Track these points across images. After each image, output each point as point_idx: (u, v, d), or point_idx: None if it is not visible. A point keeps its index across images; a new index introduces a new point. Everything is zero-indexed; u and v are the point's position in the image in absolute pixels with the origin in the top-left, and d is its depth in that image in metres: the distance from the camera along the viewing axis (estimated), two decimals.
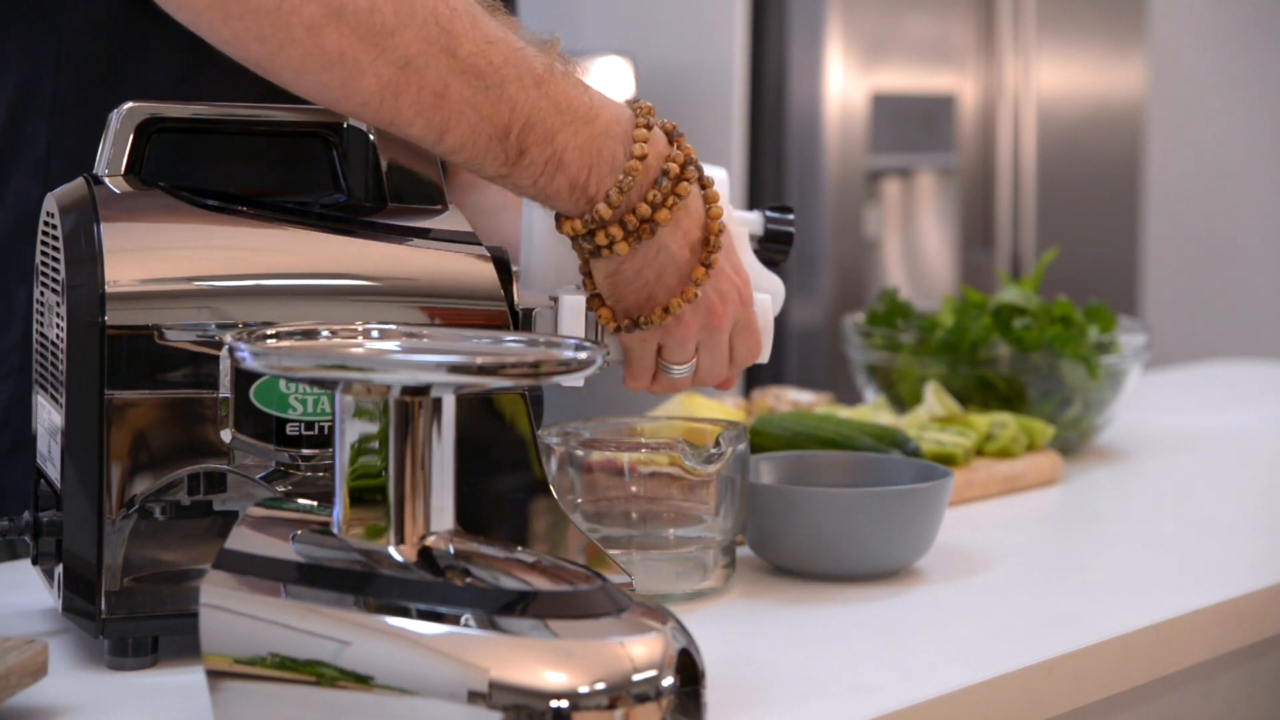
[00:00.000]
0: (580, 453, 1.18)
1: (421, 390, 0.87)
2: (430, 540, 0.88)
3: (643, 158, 1.07)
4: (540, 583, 0.87)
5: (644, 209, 1.08)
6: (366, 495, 0.88)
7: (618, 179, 1.07)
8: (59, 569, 1.01)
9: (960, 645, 1.10)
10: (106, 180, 1.06)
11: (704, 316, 1.13)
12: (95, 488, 0.99)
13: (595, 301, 1.13)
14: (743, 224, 1.21)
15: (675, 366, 1.15)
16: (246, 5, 0.99)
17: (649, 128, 1.08)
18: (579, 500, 1.18)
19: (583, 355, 0.87)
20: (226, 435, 1.00)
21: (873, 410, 1.65)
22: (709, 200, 1.11)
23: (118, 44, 1.26)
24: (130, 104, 1.08)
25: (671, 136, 1.10)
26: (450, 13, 1.02)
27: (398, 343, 0.93)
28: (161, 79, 1.26)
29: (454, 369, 0.85)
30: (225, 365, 1.00)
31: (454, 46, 1.02)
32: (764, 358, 1.21)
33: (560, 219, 1.09)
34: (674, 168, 1.08)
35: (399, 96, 1.02)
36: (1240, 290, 4.65)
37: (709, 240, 1.11)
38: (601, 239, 1.08)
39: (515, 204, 1.42)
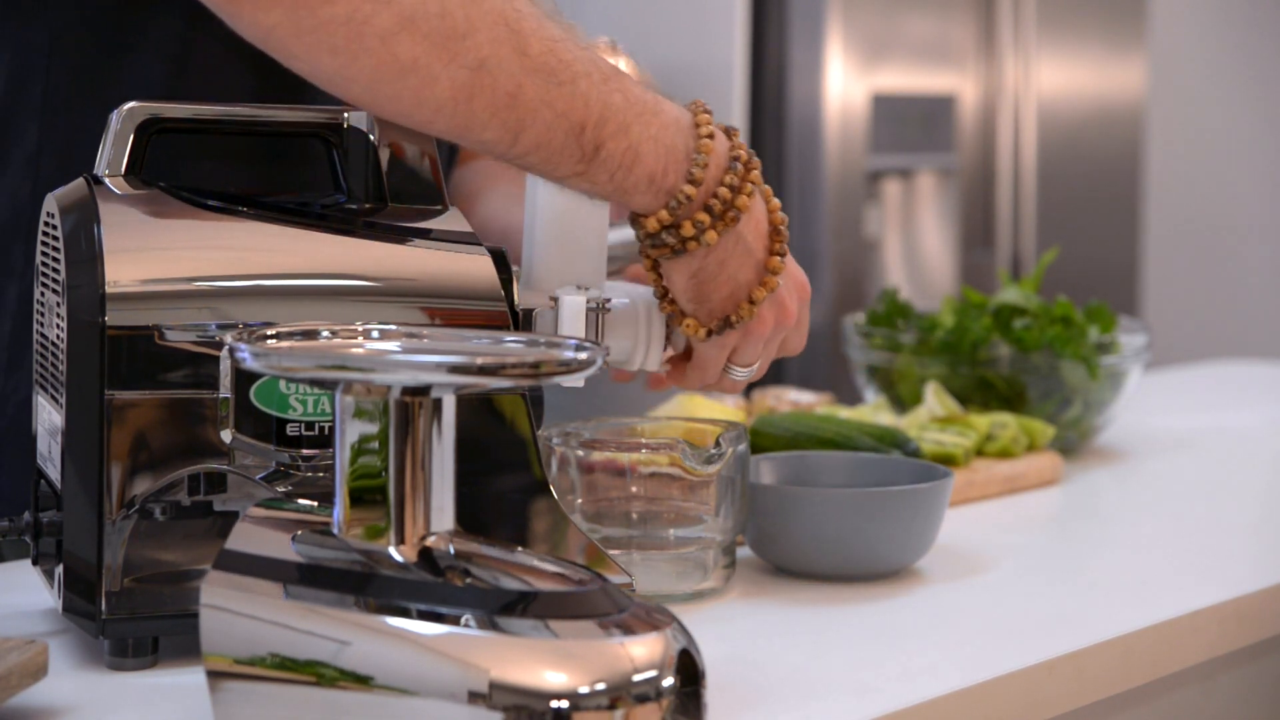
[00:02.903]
0: (580, 453, 1.18)
1: (421, 390, 0.87)
2: (430, 540, 0.88)
3: (710, 136, 1.07)
4: (540, 583, 0.87)
5: (724, 193, 1.07)
6: (366, 495, 0.88)
7: (693, 159, 1.06)
8: (59, 569, 1.01)
9: (960, 645, 1.10)
10: (106, 180, 1.06)
11: (777, 313, 1.14)
12: (95, 488, 0.99)
13: (677, 317, 1.13)
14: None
15: (742, 369, 1.16)
16: (319, 18, 0.98)
17: (709, 112, 1.09)
18: (579, 500, 1.18)
19: (583, 355, 0.87)
20: (227, 435, 1.00)
21: (873, 410, 1.65)
22: (765, 194, 1.12)
23: (108, 40, 1.26)
24: (130, 104, 1.08)
25: (727, 131, 1.10)
26: (517, 14, 1.02)
27: (398, 343, 0.93)
28: (153, 75, 1.27)
29: (454, 369, 0.85)
30: (225, 365, 1.00)
31: (524, 46, 1.01)
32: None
33: (638, 219, 1.08)
34: (743, 154, 1.08)
35: (473, 100, 1.01)
36: (1240, 290, 4.65)
37: (778, 230, 1.12)
38: (688, 229, 1.07)
39: (497, 186, 1.42)
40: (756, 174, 1.08)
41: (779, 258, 1.11)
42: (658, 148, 1.05)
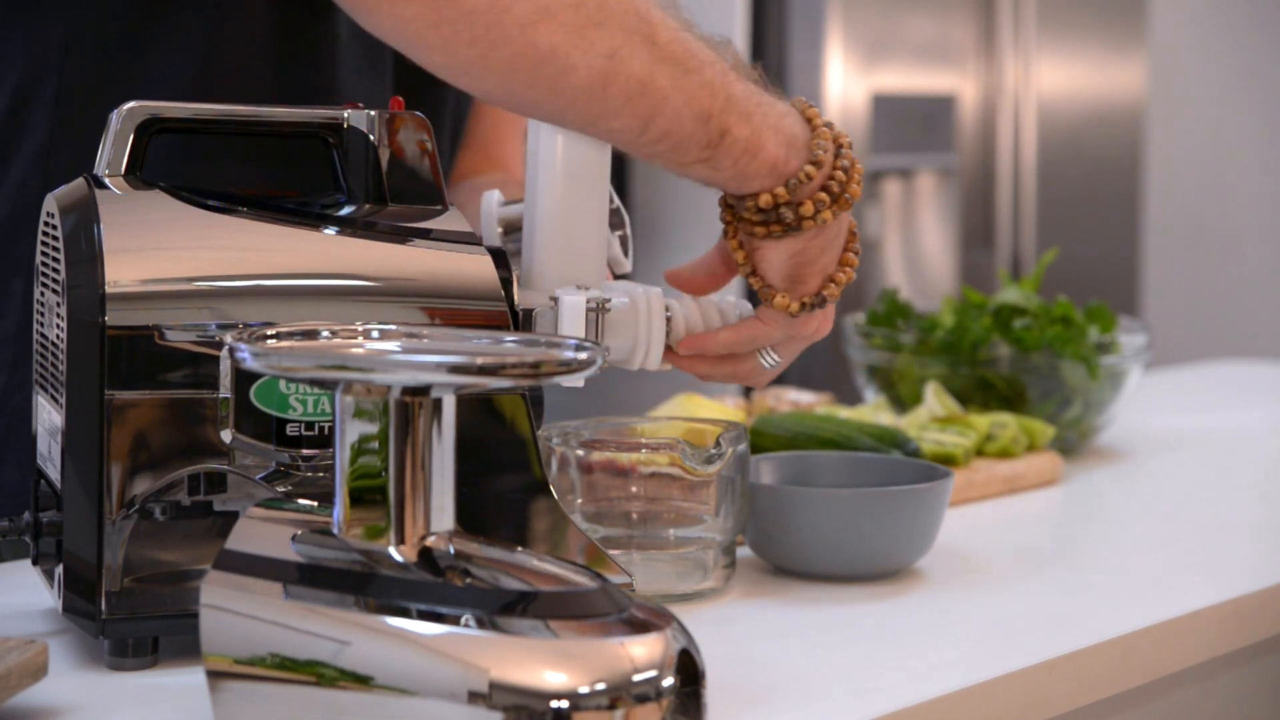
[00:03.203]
0: (580, 453, 1.18)
1: (422, 390, 0.87)
2: (430, 540, 0.88)
3: (827, 125, 1.10)
4: (540, 583, 0.87)
5: (840, 175, 1.10)
6: (366, 495, 0.88)
7: (814, 144, 1.09)
8: (59, 569, 1.01)
9: (960, 645, 1.10)
10: (106, 180, 1.06)
11: (801, 330, 1.16)
12: (95, 488, 0.99)
13: (768, 292, 1.14)
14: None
15: (775, 359, 1.18)
16: (460, 8, 0.99)
17: (814, 107, 1.12)
18: (579, 500, 1.18)
19: (583, 355, 0.87)
20: (227, 435, 1.00)
21: (873, 410, 1.65)
22: None
23: (126, 38, 1.27)
24: (130, 104, 1.08)
25: (829, 125, 1.12)
26: (646, 3, 1.04)
27: (398, 343, 0.93)
28: (169, 76, 1.27)
29: (454, 369, 0.85)
30: (225, 365, 1.00)
31: (654, 35, 1.03)
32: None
33: (747, 196, 1.10)
34: (847, 143, 1.11)
35: (607, 88, 1.02)
36: (1240, 290, 4.65)
37: (853, 232, 1.15)
38: (808, 209, 1.09)
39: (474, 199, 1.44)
40: (860, 166, 1.11)
41: (854, 254, 1.15)
42: (779, 136, 1.08)
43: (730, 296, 1.21)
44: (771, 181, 1.09)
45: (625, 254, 1.26)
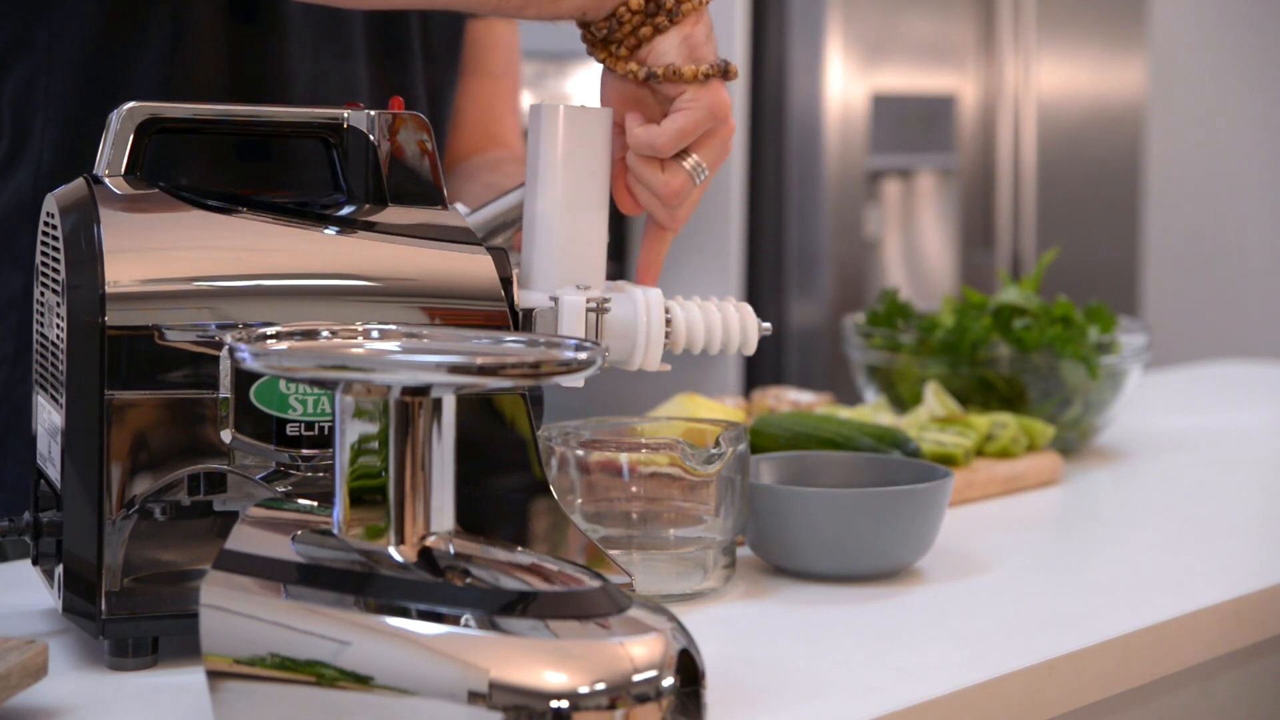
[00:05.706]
0: (580, 453, 1.18)
1: (421, 390, 0.87)
2: (430, 540, 0.88)
3: None
4: (540, 583, 0.87)
5: None
6: (366, 495, 0.88)
7: None
8: (59, 569, 1.01)
9: (960, 645, 1.10)
10: (106, 180, 1.06)
11: (716, 100, 1.17)
12: (95, 488, 0.99)
13: (673, 68, 1.16)
14: None
15: (704, 171, 1.19)
16: None
17: None
18: (579, 500, 1.18)
19: (583, 355, 0.87)
20: (227, 435, 1.00)
21: (873, 411, 1.65)
22: None
23: (104, 39, 1.29)
24: (130, 104, 1.08)
25: None
26: None
27: (398, 343, 0.93)
28: (142, 72, 1.29)
29: (454, 369, 0.85)
30: (225, 365, 1.00)
31: None
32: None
33: (620, 11, 1.14)
34: None
35: None
36: (1240, 290, 4.65)
37: None
38: None
39: (473, 188, 1.45)
40: None
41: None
42: None
43: (730, 298, 1.21)
44: None
45: None
